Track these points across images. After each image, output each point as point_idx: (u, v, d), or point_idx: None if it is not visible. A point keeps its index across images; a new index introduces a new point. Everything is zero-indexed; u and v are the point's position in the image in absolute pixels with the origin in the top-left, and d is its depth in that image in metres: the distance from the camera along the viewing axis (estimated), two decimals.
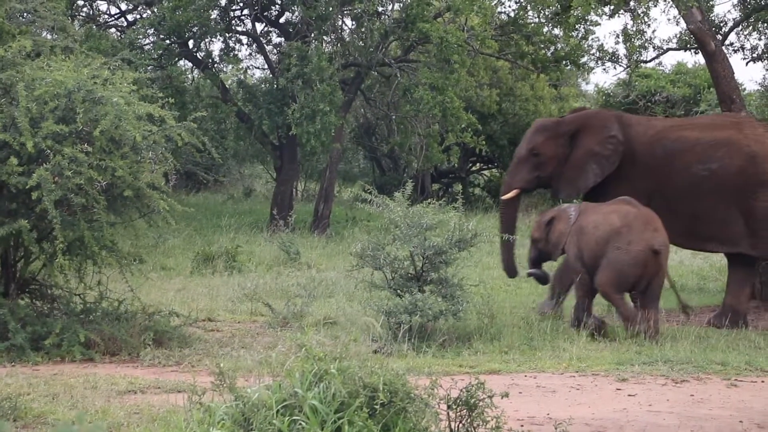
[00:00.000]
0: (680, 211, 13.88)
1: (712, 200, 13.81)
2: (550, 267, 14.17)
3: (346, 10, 26.03)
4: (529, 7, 24.73)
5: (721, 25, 16.52)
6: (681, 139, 14.02)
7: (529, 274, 13.95)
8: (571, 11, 14.74)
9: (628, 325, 12.56)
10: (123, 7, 27.13)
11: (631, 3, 14.53)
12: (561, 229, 13.20)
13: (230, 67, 27.69)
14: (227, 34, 26.33)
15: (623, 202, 13.06)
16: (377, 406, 7.03)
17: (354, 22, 26.39)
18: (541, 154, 14.49)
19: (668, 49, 17.20)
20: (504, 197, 14.34)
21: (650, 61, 18.01)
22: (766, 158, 13.93)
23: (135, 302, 12.42)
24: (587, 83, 38.47)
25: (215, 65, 26.73)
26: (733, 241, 13.95)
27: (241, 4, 26.54)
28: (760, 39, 16.85)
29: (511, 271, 14.45)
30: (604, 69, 25.58)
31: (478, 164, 35.01)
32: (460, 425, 7.47)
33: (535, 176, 14.26)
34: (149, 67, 23.67)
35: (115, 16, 27.64)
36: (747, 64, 17.20)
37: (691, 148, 13.92)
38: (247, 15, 26.89)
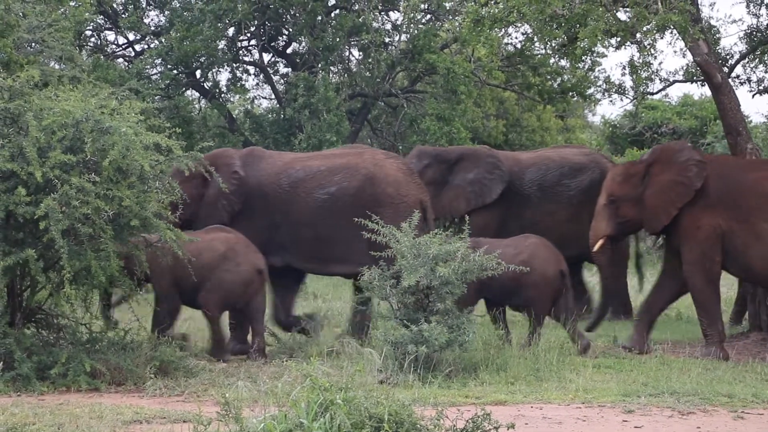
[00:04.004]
0: (306, 237, 14.26)
1: (334, 223, 14.13)
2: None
3: (353, 41, 26.17)
4: (535, 39, 24.82)
5: (728, 57, 16.53)
6: (304, 168, 14.36)
7: None
8: (578, 43, 14.73)
9: (220, 349, 13.30)
10: (131, 37, 27.27)
11: (638, 35, 14.53)
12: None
13: (237, 97, 27.85)
14: (234, 65, 26.48)
15: (219, 230, 13.61)
16: None
17: (361, 53, 26.53)
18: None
19: (675, 81, 17.21)
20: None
21: (657, 92, 18.01)
22: (385, 179, 14.34)
23: (141, 332, 12.43)
24: (594, 114, 38.56)
25: (222, 95, 26.87)
26: (360, 262, 13.96)
27: (249, 35, 26.67)
28: (766, 72, 16.85)
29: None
30: (611, 101, 25.74)
31: None
32: None
33: (179, 216, 14.35)
34: (157, 97, 23.80)
35: (123, 47, 27.78)
36: (753, 96, 17.21)
37: (312, 175, 14.28)
38: (255, 45, 27.04)
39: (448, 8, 26.13)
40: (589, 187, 16.71)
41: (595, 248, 14.58)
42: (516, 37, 26.18)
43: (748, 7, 16.54)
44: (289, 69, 27.08)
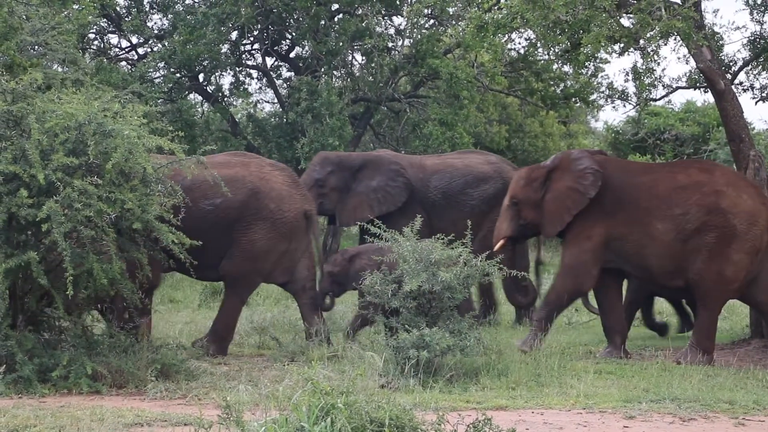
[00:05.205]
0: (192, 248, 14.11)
1: (217, 233, 14.00)
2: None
3: (357, 46, 26.18)
4: (538, 45, 24.82)
5: (731, 64, 16.50)
6: (193, 177, 13.86)
7: None
8: (581, 49, 14.72)
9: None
10: (134, 40, 27.28)
11: (641, 41, 14.53)
12: None
13: (240, 100, 27.86)
14: (237, 68, 26.51)
15: None
16: None
17: (364, 58, 26.54)
18: None
19: (678, 88, 17.18)
20: None
21: (660, 99, 17.97)
22: (268, 194, 14.29)
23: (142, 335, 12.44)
24: (596, 120, 38.57)
25: (225, 99, 26.89)
26: (235, 267, 14.24)
27: (252, 39, 26.68)
28: None
29: None
30: (614, 107, 25.66)
31: None
32: None
33: None
34: (159, 101, 23.80)
35: (126, 50, 27.80)
36: (756, 103, 17.16)
37: (199, 185, 13.96)
38: (258, 49, 27.06)
39: (451, 13, 26.14)
40: (493, 197, 16.85)
41: (496, 248, 14.74)
42: (519, 43, 26.25)
43: (751, 14, 16.51)
44: (292, 73, 27.11)
